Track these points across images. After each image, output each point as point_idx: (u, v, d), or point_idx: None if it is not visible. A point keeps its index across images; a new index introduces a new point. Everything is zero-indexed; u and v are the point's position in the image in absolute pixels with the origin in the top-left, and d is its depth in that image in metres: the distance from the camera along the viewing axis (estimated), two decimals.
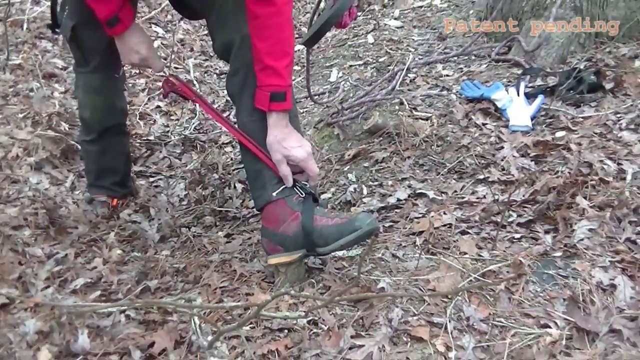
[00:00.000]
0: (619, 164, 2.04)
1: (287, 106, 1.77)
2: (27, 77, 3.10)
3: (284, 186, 1.81)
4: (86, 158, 2.35)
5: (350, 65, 3.09)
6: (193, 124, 3.04)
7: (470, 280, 1.70)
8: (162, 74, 1.91)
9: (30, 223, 2.07)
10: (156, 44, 3.69)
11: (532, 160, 2.15)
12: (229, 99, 3.17)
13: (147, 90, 3.24)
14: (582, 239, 1.77)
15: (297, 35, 3.84)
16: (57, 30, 2.11)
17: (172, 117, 3.12)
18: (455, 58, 2.95)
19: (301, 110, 2.81)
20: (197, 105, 1.96)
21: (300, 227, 1.75)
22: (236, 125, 1.88)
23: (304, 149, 1.78)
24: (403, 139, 2.35)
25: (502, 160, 2.17)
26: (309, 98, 2.50)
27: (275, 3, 1.70)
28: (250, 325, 1.61)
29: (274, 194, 1.80)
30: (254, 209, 2.27)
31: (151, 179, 2.63)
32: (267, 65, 1.73)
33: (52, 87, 3.07)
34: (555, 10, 2.74)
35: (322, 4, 2.30)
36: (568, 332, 1.51)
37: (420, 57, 3.04)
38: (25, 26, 3.62)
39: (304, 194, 1.81)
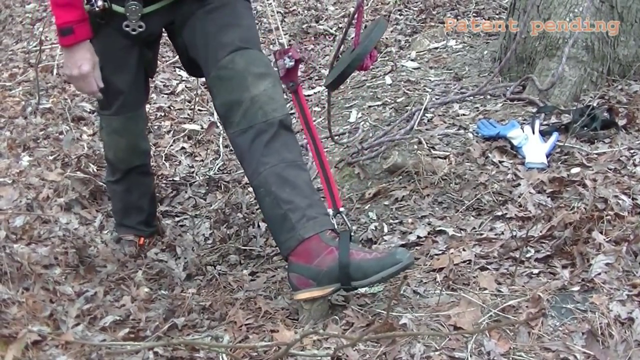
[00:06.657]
0: (633, 198, 2.06)
1: None
2: (56, 121, 3.19)
3: (313, 220, 1.81)
4: (112, 198, 2.42)
5: (369, 106, 3.13)
6: (217, 164, 3.09)
7: (491, 316, 1.72)
8: None
9: (60, 262, 2.11)
10: (180, 87, 3.79)
11: (548, 197, 2.17)
12: None
13: (172, 132, 3.31)
14: (599, 273, 1.78)
15: (317, 77, 3.91)
16: None
17: (196, 158, 3.17)
18: (471, 98, 2.98)
19: None
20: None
21: (337, 261, 1.76)
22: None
23: None
24: (422, 177, 2.38)
25: (519, 197, 2.19)
26: (329, 138, 2.55)
27: None
28: None
29: (306, 232, 1.81)
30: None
31: (177, 219, 2.67)
32: None
33: (81, 130, 3.15)
34: (568, 49, 2.78)
35: (342, 47, 2.36)
36: None
37: (437, 97, 3.06)
38: (55, 71, 3.74)
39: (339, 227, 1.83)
